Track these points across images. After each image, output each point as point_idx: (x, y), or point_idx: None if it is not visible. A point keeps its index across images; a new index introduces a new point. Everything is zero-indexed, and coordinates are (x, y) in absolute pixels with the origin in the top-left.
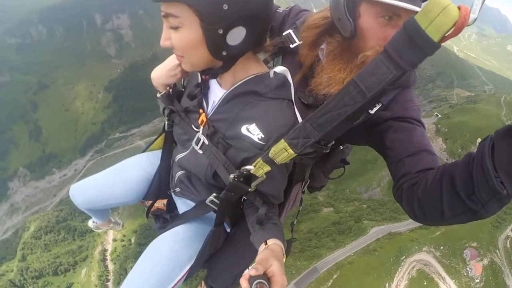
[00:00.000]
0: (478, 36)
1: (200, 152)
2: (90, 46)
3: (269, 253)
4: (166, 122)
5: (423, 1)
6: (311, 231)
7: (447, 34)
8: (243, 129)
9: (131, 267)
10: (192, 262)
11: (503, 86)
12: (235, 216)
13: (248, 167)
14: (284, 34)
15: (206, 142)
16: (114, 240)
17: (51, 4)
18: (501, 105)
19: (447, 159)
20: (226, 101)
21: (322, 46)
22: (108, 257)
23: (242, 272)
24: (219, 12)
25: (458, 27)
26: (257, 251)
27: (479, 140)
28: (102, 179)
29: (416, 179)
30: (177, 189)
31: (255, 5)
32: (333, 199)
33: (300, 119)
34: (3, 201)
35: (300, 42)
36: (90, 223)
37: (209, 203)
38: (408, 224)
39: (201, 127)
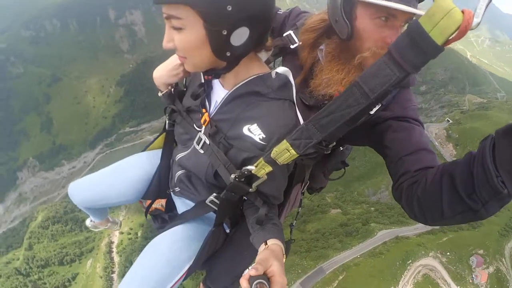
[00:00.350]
0: (492, 42)
1: (201, 151)
2: (103, 41)
3: (269, 253)
4: (167, 121)
5: (419, 2)
6: (318, 232)
7: (450, 38)
8: (245, 129)
9: None
10: (191, 262)
11: None
12: (235, 216)
13: (249, 167)
14: (284, 35)
15: (208, 141)
16: (121, 233)
17: None
18: None
19: None
20: (228, 101)
21: (321, 47)
22: (114, 250)
23: (242, 272)
24: (223, 14)
25: (461, 31)
26: (257, 251)
27: None
28: (101, 178)
29: (416, 178)
30: (177, 189)
31: (258, 5)
32: (341, 200)
33: (301, 120)
34: (11, 190)
35: (300, 43)
36: (88, 222)
37: (209, 203)
38: (415, 229)
39: (204, 127)
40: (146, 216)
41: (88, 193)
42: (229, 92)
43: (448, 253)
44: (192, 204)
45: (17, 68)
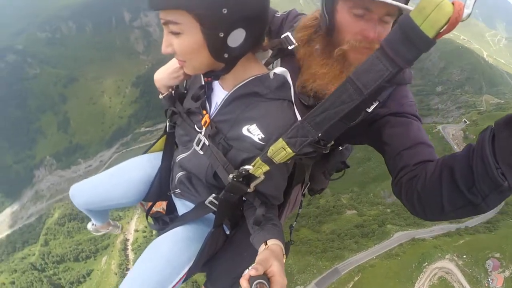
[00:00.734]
0: (509, 41)
1: (201, 152)
2: (118, 42)
3: (269, 253)
4: (168, 124)
5: None
6: (333, 232)
7: (442, 30)
8: (244, 130)
9: None
10: (191, 263)
11: None
12: (235, 218)
13: (246, 166)
14: (282, 36)
15: (207, 143)
16: (136, 230)
17: (81, 1)
18: None
19: None
20: (228, 102)
21: (317, 47)
22: (129, 247)
23: (242, 273)
24: (219, 16)
25: (452, 23)
26: (257, 253)
27: None
28: (102, 180)
29: (415, 172)
30: (177, 190)
31: (253, 6)
32: (357, 202)
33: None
34: (28, 188)
35: (296, 43)
36: (89, 226)
37: (208, 204)
38: (432, 231)
39: (204, 128)
40: (147, 218)
41: (90, 195)
42: (229, 94)
43: (464, 256)
44: (192, 205)
45: (33, 68)
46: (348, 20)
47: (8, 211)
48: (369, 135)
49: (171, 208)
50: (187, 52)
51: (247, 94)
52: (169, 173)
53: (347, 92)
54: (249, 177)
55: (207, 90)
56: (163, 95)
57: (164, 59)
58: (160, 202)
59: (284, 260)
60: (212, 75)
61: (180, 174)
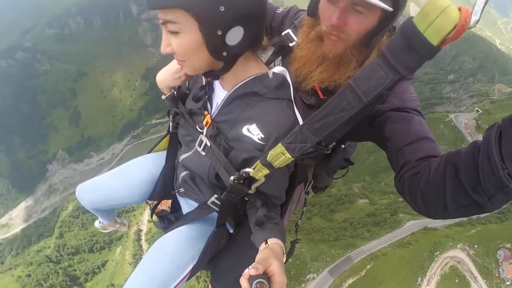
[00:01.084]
0: None
1: (203, 153)
2: (127, 36)
3: (269, 252)
4: (171, 124)
5: None
6: (346, 221)
7: (447, 38)
8: (244, 130)
9: None
10: (195, 262)
11: None
12: (238, 217)
13: (247, 169)
14: (283, 33)
15: (208, 143)
16: (149, 221)
17: None
18: None
19: None
20: (228, 102)
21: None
22: (143, 237)
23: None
24: (216, 14)
25: (458, 30)
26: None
27: None
28: (108, 180)
29: (418, 168)
30: (181, 190)
31: (250, 4)
32: (368, 190)
33: (300, 119)
34: (41, 182)
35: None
36: (96, 224)
37: (211, 204)
38: (443, 220)
39: (205, 128)
40: (152, 217)
41: (95, 194)
42: (229, 93)
43: (475, 246)
44: (196, 205)
45: (43, 65)
46: (322, 4)
47: (22, 205)
48: (370, 132)
49: (176, 207)
50: (186, 51)
51: (246, 94)
52: (173, 173)
53: (346, 99)
54: (250, 179)
55: (208, 91)
56: (166, 96)
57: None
58: (165, 200)
59: (285, 260)
60: (212, 74)
61: (183, 173)
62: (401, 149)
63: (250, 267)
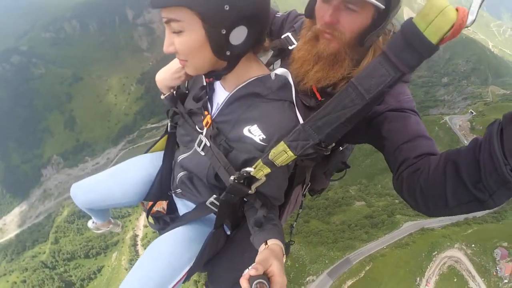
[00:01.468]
0: None
1: (202, 153)
2: (123, 40)
3: (269, 253)
4: (169, 124)
5: None
6: (344, 223)
7: (445, 36)
8: (245, 131)
9: None
10: (192, 263)
11: None
12: (236, 218)
13: (248, 169)
14: (283, 37)
15: (208, 143)
16: (145, 226)
17: (84, 0)
18: None
19: None
20: (229, 103)
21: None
22: (139, 242)
23: (242, 274)
24: (221, 13)
25: (456, 29)
26: (257, 253)
27: None
28: (103, 179)
29: (417, 165)
30: (178, 190)
31: (254, 4)
32: (365, 193)
33: (301, 121)
34: (36, 187)
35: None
36: (89, 224)
37: (209, 205)
38: (440, 221)
39: (205, 129)
40: (147, 217)
41: (90, 194)
42: (230, 94)
43: (473, 245)
44: (193, 206)
45: (39, 69)
46: (317, 5)
47: (16, 210)
48: (368, 133)
49: (172, 208)
50: (189, 50)
51: (248, 95)
52: (170, 173)
53: (349, 97)
54: (250, 179)
55: (209, 91)
56: (165, 95)
57: (168, 56)
58: (160, 201)
59: (284, 260)
60: (214, 75)
61: (181, 174)
62: (399, 147)
63: (250, 267)
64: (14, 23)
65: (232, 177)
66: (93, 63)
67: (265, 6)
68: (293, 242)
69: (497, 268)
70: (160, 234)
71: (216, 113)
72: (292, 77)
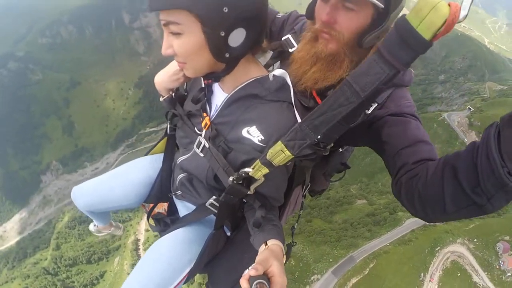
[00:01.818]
0: (510, 28)
1: (201, 155)
2: (119, 45)
3: (269, 254)
4: (169, 126)
5: None
6: (346, 222)
7: (438, 32)
8: (244, 132)
9: None
10: (192, 265)
11: None
12: (236, 219)
13: (246, 169)
14: (283, 39)
15: (207, 145)
16: (147, 230)
17: (80, 4)
18: None
19: None
20: (228, 104)
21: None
22: (141, 247)
23: (242, 275)
24: (220, 16)
25: (448, 25)
26: (257, 254)
27: None
28: (104, 182)
29: (415, 171)
30: (179, 192)
31: (253, 6)
32: (366, 191)
33: (300, 121)
34: (35, 193)
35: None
36: (91, 227)
37: (209, 206)
38: None
39: (204, 130)
40: (148, 220)
41: (91, 197)
42: (229, 96)
43: (475, 240)
44: (193, 207)
45: (36, 74)
46: (317, 5)
47: (16, 217)
48: (368, 136)
49: (173, 209)
50: (188, 52)
51: (246, 96)
52: (170, 175)
53: (344, 95)
54: (249, 180)
55: (207, 93)
56: (164, 97)
57: (165, 59)
58: (161, 203)
59: (284, 261)
60: (212, 77)
61: (181, 176)
62: (398, 152)
63: (250, 267)
64: (10, 28)
65: (231, 178)
66: (90, 67)
67: (263, 8)
68: (295, 244)
69: (500, 262)
70: (161, 236)
71: (215, 114)
72: (290, 77)
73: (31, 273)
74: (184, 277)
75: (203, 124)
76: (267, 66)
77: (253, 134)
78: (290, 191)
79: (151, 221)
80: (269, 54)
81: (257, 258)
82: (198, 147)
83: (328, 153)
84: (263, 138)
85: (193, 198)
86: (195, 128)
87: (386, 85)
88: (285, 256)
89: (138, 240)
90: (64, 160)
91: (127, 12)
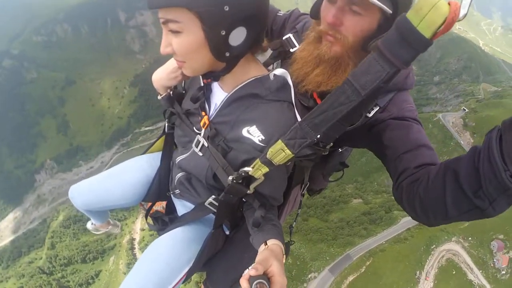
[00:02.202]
0: (504, 30)
1: (200, 154)
2: (115, 43)
3: (269, 253)
4: (166, 124)
5: None
6: (342, 220)
7: (438, 31)
8: (244, 131)
9: None
10: (191, 264)
11: None
12: (235, 218)
13: (246, 168)
14: (284, 38)
15: (206, 144)
16: (142, 229)
17: (75, 3)
18: None
19: None
20: (227, 104)
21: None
22: (136, 246)
23: (241, 274)
24: (221, 14)
25: (448, 23)
26: (256, 253)
27: None
28: (101, 181)
29: (417, 176)
30: (177, 191)
31: (254, 5)
32: (361, 191)
33: None
34: (30, 192)
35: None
36: (88, 225)
37: (208, 205)
38: None
39: (203, 129)
40: (146, 218)
41: (89, 196)
42: (228, 95)
43: (470, 238)
44: (192, 206)
45: (30, 73)
46: (323, 5)
47: (10, 216)
48: (369, 139)
49: (171, 208)
50: (187, 51)
51: (246, 96)
52: (168, 174)
53: (345, 94)
54: (248, 179)
55: (206, 92)
56: (162, 95)
57: (161, 58)
58: (159, 202)
59: (284, 260)
60: (212, 76)
61: (179, 175)
62: (399, 157)
63: (250, 267)
64: (4, 26)
65: (230, 177)
66: (85, 66)
67: (264, 6)
68: (293, 242)
69: (494, 260)
70: (159, 235)
71: (214, 113)
72: (291, 77)
73: (26, 272)
74: (183, 276)
75: (201, 123)
76: (266, 64)
77: (253, 133)
78: (289, 190)
79: (149, 220)
80: (268, 52)
81: (257, 258)
82: (197, 146)
83: (327, 153)
84: (263, 138)
85: (192, 197)
86: (194, 127)
87: (387, 84)
88: (284, 256)
89: (133, 239)
90: (59, 159)
91: (122, 11)
